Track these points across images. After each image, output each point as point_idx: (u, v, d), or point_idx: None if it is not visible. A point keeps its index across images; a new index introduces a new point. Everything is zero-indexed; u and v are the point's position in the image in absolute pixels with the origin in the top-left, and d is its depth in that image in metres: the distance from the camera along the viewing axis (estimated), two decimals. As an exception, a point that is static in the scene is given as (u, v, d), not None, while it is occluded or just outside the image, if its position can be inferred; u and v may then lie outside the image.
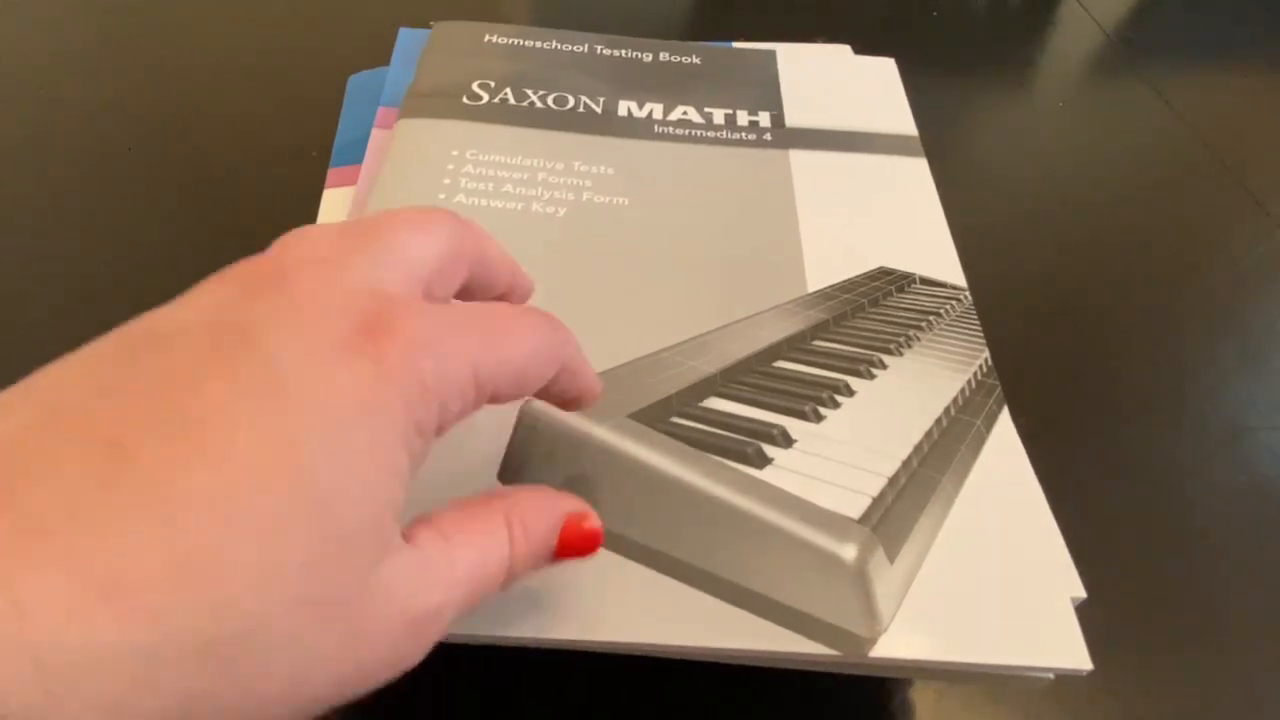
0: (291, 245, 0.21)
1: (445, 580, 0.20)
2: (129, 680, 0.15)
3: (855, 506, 0.28)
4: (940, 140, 0.45)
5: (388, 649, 0.19)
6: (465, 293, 0.24)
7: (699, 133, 0.43)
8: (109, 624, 0.14)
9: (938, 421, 0.31)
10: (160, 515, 0.15)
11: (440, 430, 0.20)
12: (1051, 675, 0.26)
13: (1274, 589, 0.35)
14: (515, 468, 0.29)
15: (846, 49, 0.50)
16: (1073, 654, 0.25)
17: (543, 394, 0.24)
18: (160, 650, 0.15)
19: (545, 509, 0.23)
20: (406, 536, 0.20)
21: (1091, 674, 0.25)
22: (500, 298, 0.26)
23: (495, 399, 0.21)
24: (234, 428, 0.17)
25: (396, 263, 0.21)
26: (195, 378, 0.17)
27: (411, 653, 0.20)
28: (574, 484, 0.28)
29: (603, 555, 0.27)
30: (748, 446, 0.30)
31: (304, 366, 0.18)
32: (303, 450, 0.17)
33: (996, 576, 0.27)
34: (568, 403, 0.25)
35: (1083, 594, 0.27)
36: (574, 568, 0.26)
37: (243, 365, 0.17)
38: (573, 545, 0.23)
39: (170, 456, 0.16)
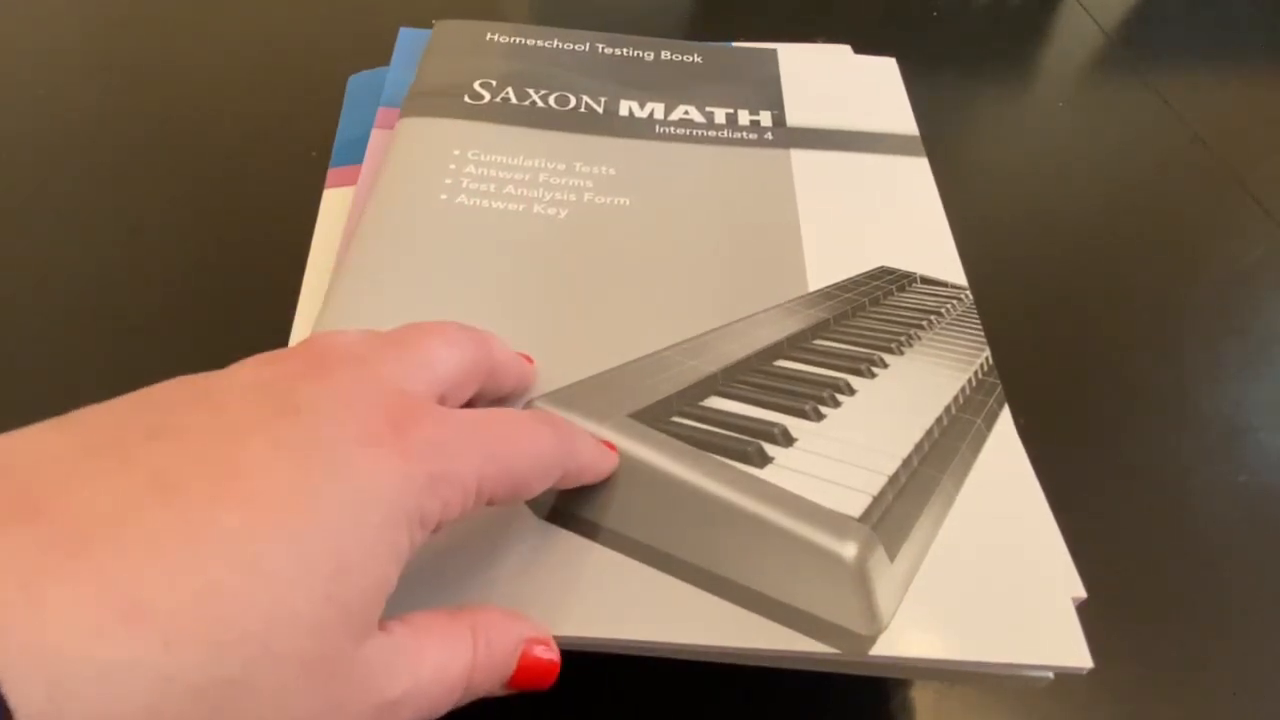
0: (333, 342, 0.23)
1: (411, 673, 0.21)
2: (131, 702, 0.15)
3: (856, 505, 0.28)
4: (941, 140, 0.45)
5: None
6: (476, 397, 0.27)
7: (700, 132, 0.43)
8: (124, 643, 0.15)
9: (938, 420, 0.31)
10: (188, 549, 0.16)
11: (437, 527, 0.21)
12: (1051, 675, 0.26)
13: (1274, 589, 0.35)
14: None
15: (847, 49, 0.50)
16: (1073, 652, 0.25)
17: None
18: (168, 677, 0.15)
19: (509, 628, 0.24)
20: (380, 627, 0.21)
21: (1091, 674, 0.25)
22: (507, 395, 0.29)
23: (493, 502, 0.23)
24: (272, 483, 0.18)
25: (422, 369, 0.23)
26: (242, 434, 0.19)
27: None
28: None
29: (603, 554, 0.27)
30: (748, 445, 0.30)
31: (336, 444, 0.19)
32: (331, 516, 0.18)
33: (997, 575, 0.27)
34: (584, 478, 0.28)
35: (1083, 594, 0.27)
36: (574, 564, 0.26)
37: (288, 431, 0.19)
38: (530, 673, 0.24)
39: (209, 497, 0.17)
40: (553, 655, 0.24)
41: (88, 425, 0.19)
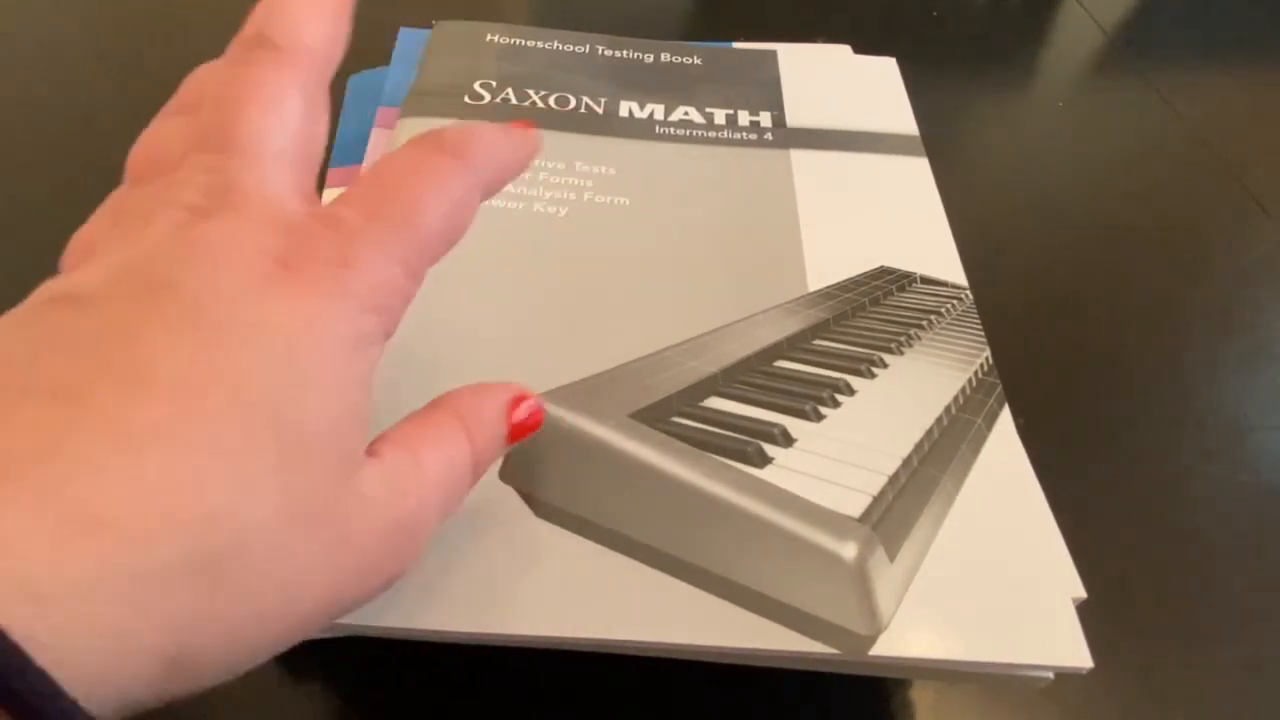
0: (162, 188, 0.20)
1: (417, 486, 0.21)
2: (125, 605, 0.15)
3: (855, 505, 0.28)
4: (941, 140, 0.45)
5: (373, 557, 0.19)
6: None
7: (700, 133, 0.43)
8: (93, 553, 0.14)
9: (938, 420, 0.31)
10: (124, 449, 0.15)
11: (390, 329, 0.21)
12: (1051, 675, 0.26)
13: (1274, 589, 0.35)
14: (516, 467, 0.29)
15: (847, 49, 0.50)
16: (1073, 652, 0.26)
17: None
18: (149, 573, 0.15)
19: (489, 399, 0.24)
20: (370, 454, 0.20)
21: (1091, 674, 0.25)
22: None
23: (432, 263, 0.22)
24: (181, 365, 0.17)
25: (268, 162, 0.21)
26: (132, 330, 0.17)
27: (397, 561, 0.20)
28: (574, 482, 0.28)
29: (603, 554, 0.27)
30: (748, 446, 0.30)
31: (234, 307, 0.18)
32: (254, 374, 0.17)
33: (997, 575, 0.27)
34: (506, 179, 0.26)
35: (1083, 594, 0.27)
36: (572, 564, 0.26)
37: (175, 314, 0.17)
38: (523, 426, 0.24)
39: (122, 397, 0.16)
40: (535, 404, 0.24)
41: None
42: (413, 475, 0.21)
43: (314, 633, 0.19)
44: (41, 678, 0.13)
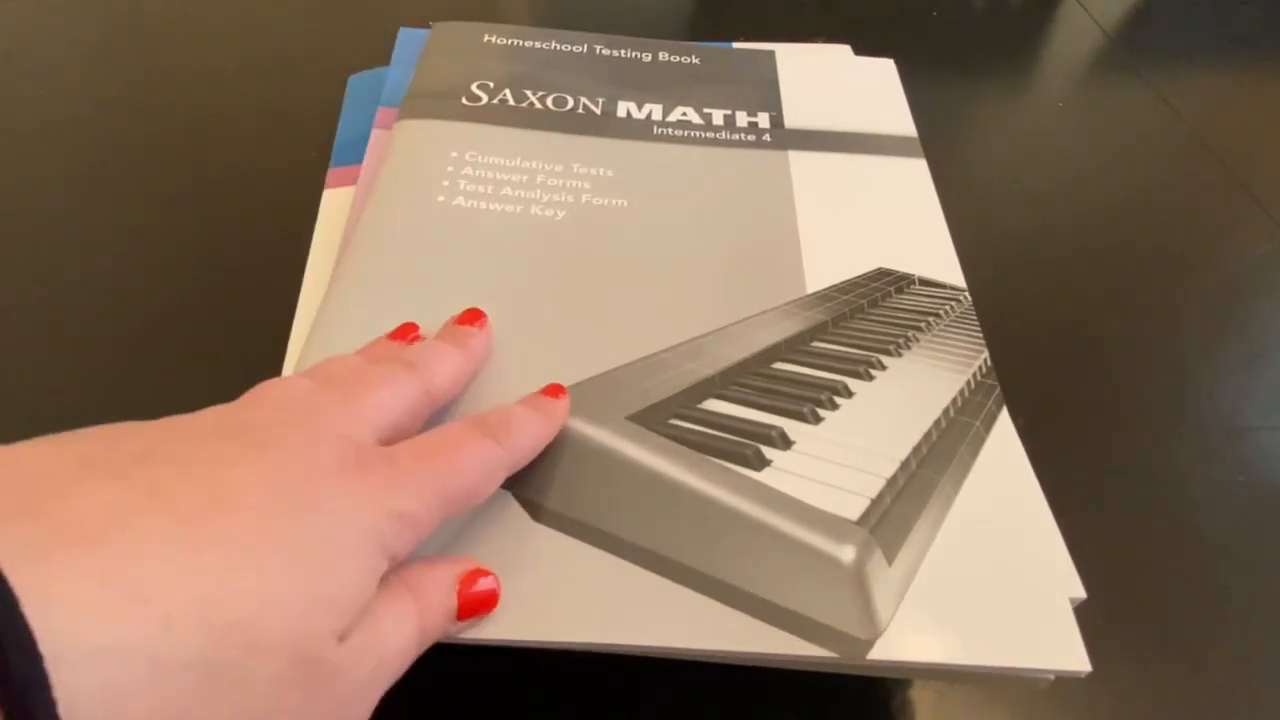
0: (286, 395, 0.25)
1: (376, 650, 0.22)
2: (130, 678, 0.16)
3: (853, 508, 0.28)
4: (940, 140, 0.45)
5: (344, 709, 0.21)
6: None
7: (698, 134, 0.43)
8: (124, 626, 0.16)
9: (936, 423, 0.31)
10: (186, 547, 0.18)
11: (401, 553, 0.23)
12: (1052, 676, 0.26)
13: (1274, 588, 0.35)
14: (515, 472, 0.29)
15: (847, 49, 0.50)
16: (1071, 656, 0.25)
17: None
18: (166, 659, 0.17)
19: (439, 576, 0.25)
20: None
21: (1091, 674, 0.25)
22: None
23: (450, 515, 0.25)
24: (257, 500, 0.20)
25: (368, 419, 0.25)
26: (230, 461, 0.21)
27: (358, 716, 0.22)
28: (573, 485, 0.28)
29: (601, 558, 0.27)
30: (746, 448, 0.30)
31: (312, 474, 0.22)
32: (309, 527, 0.20)
33: (995, 578, 0.27)
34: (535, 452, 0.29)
35: (1083, 594, 0.27)
36: (570, 569, 0.26)
37: (268, 461, 0.21)
38: (471, 607, 0.25)
39: (201, 507, 0.19)
40: (489, 584, 0.26)
41: (85, 442, 0.20)
42: (373, 639, 0.22)
43: None
44: None
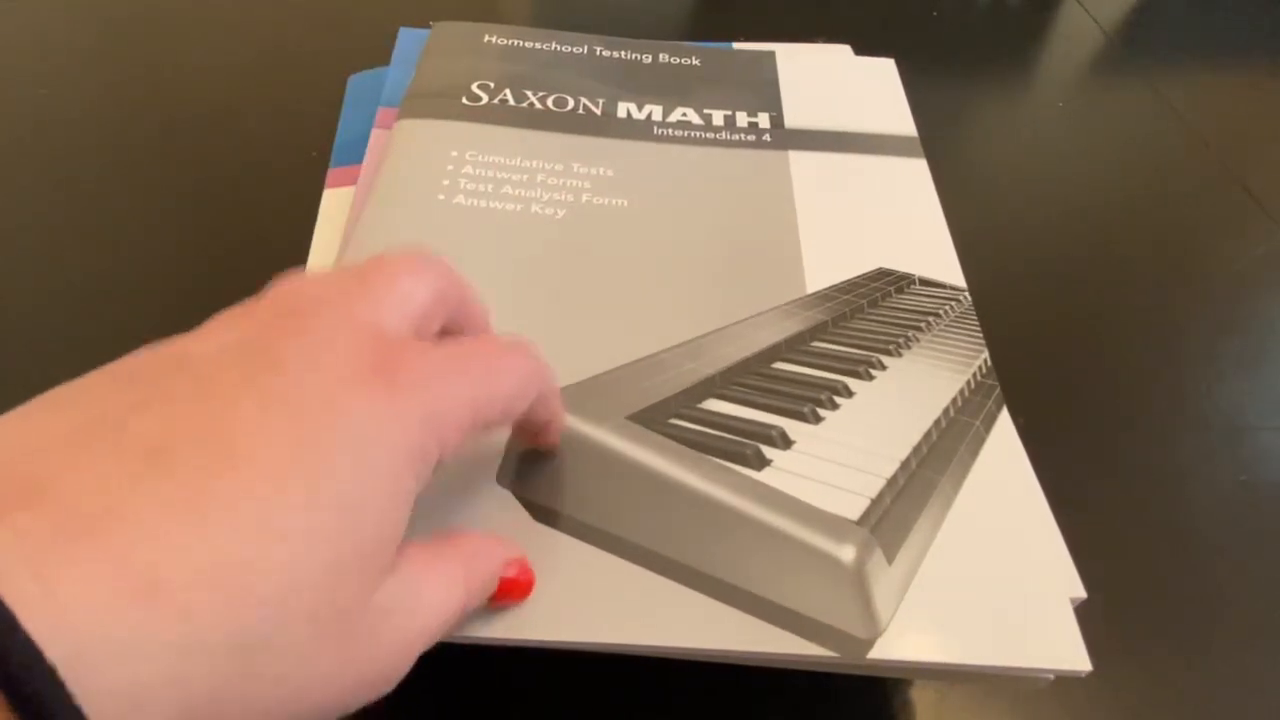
0: (301, 289, 0.23)
1: (420, 611, 0.21)
2: (155, 673, 0.15)
3: (854, 508, 0.28)
4: (940, 140, 0.45)
5: (379, 668, 0.20)
6: (443, 332, 0.26)
7: (698, 134, 0.43)
8: (143, 619, 0.15)
9: (936, 423, 0.31)
10: (195, 519, 0.16)
11: (440, 460, 0.21)
12: (1052, 676, 0.26)
13: (1273, 588, 0.35)
14: (514, 470, 0.29)
15: (847, 49, 0.50)
16: (1072, 655, 0.25)
17: (520, 421, 0.26)
18: (188, 646, 0.16)
19: (491, 554, 0.24)
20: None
21: (1091, 674, 0.25)
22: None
23: (486, 428, 0.23)
24: (266, 442, 0.18)
25: (394, 305, 0.23)
26: (229, 396, 0.18)
27: (395, 675, 0.21)
28: (573, 485, 0.28)
29: (601, 557, 0.27)
30: (746, 448, 0.30)
31: (326, 393, 0.19)
32: (332, 467, 0.18)
33: (995, 577, 0.27)
34: (540, 428, 0.28)
35: (1083, 594, 0.27)
36: (569, 568, 0.26)
37: (273, 388, 0.19)
38: (507, 594, 0.25)
39: (205, 465, 0.17)
40: (528, 576, 0.25)
41: (73, 404, 0.18)
42: (417, 599, 0.21)
43: None
44: None
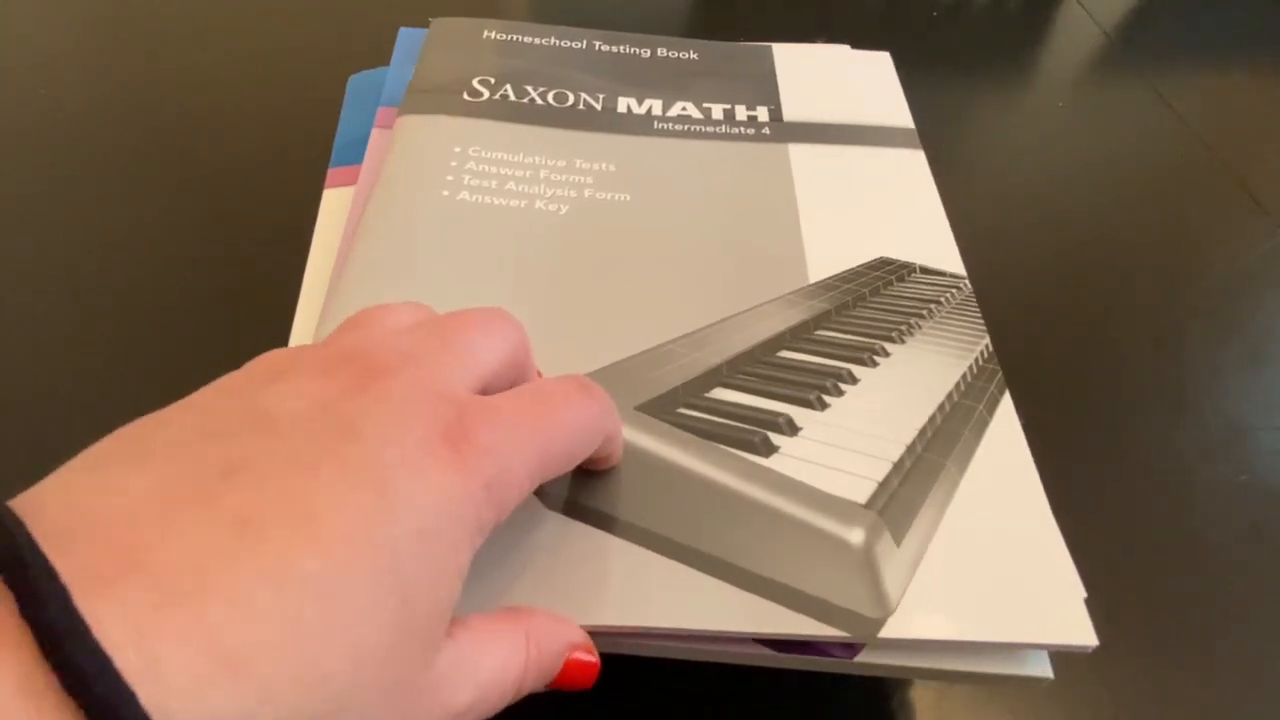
0: (380, 343, 0.23)
1: (475, 680, 0.21)
2: None
3: (861, 491, 0.28)
4: (941, 140, 0.45)
5: None
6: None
7: (698, 128, 0.43)
8: (226, 693, 0.15)
9: (940, 407, 0.31)
10: (277, 594, 0.17)
11: (497, 524, 0.22)
12: (1052, 675, 0.26)
13: (1274, 588, 0.35)
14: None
15: (846, 48, 0.51)
16: (1078, 631, 0.26)
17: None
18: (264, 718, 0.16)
19: (558, 634, 0.24)
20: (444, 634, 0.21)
21: (1091, 672, 0.25)
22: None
23: (543, 480, 0.23)
24: (345, 520, 0.18)
25: (467, 366, 0.23)
26: (312, 467, 0.19)
27: None
28: (584, 474, 0.28)
29: (611, 542, 0.27)
30: (754, 435, 0.30)
31: (401, 464, 0.20)
32: (398, 547, 0.19)
33: (1001, 557, 0.27)
34: (597, 462, 0.28)
35: (1083, 593, 0.27)
36: (588, 555, 0.27)
37: (351, 457, 0.19)
38: (572, 676, 0.24)
39: (289, 538, 0.17)
40: (594, 659, 0.25)
41: (156, 457, 0.19)
42: (474, 669, 0.21)
43: None
44: None
